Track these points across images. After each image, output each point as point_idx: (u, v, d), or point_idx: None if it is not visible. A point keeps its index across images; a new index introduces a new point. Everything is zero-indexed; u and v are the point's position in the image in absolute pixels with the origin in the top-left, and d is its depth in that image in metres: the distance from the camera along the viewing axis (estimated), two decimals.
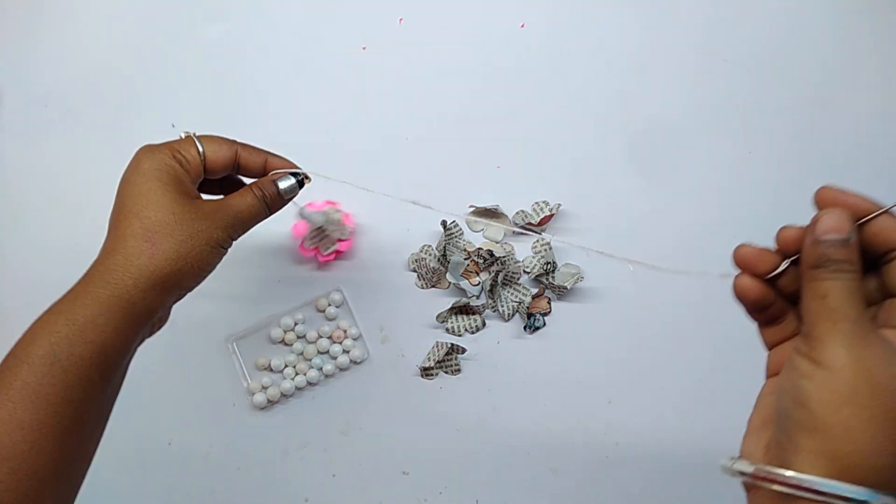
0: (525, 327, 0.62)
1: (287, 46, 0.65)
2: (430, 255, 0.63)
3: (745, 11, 0.66)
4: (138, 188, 0.41)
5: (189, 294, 0.62)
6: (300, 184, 0.46)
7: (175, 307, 0.62)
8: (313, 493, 0.61)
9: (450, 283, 0.62)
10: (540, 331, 0.62)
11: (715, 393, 0.62)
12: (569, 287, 0.61)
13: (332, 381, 0.62)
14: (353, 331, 0.62)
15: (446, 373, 0.62)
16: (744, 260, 0.34)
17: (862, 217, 0.32)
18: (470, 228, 0.64)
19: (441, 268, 0.63)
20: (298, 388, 0.61)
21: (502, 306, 0.62)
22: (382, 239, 0.64)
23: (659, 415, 0.62)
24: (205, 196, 0.44)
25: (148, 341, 0.61)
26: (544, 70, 0.65)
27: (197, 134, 0.44)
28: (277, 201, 0.45)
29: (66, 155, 0.64)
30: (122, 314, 0.38)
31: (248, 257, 0.62)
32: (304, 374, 0.61)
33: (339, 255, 0.62)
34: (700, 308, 0.63)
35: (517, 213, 0.63)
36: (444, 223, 0.61)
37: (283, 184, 0.45)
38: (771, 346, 0.36)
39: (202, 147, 0.43)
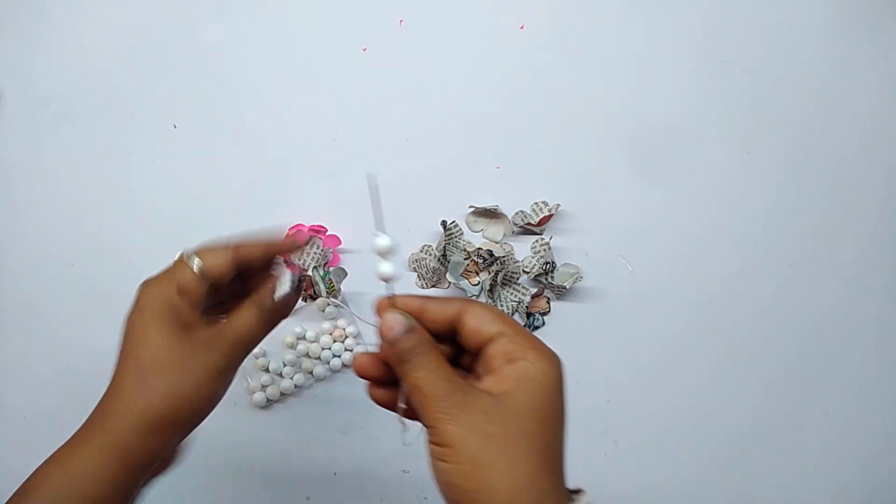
0: (524, 327, 0.63)
1: (287, 47, 0.65)
2: (430, 255, 0.63)
3: (745, 13, 0.66)
4: (134, 326, 0.38)
5: None
6: (297, 285, 0.41)
7: None
8: (314, 491, 0.61)
9: (450, 283, 0.62)
10: (539, 330, 0.63)
11: (713, 392, 0.62)
12: (568, 287, 0.62)
13: (332, 380, 0.62)
14: (351, 329, 0.62)
15: None
16: (362, 369, 0.38)
17: (413, 308, 0.36)
18: (470, 228, 0.64)
19: (441, 268, 0.63)
20: (298, 387, 0.61)
21: (502, 306, 0.62)
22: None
23: (657, 414, 0.62)
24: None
25: None
26: (543, 71, 0.65)
27: (189, 251, 0.40)
28: (278, 312, 0.41)
29: (67, 155, 0.64)
30: (119, 463, 0.36)
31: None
32: (305, 373, 0.61)
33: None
34: (698, 308, 0.63)
35: (517, 213, 0.63)
36: (444, 223, 0.62)
37: (279, 292, 0.40)
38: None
39: (197, 265, 0.40)
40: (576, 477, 0.64)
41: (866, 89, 0.65)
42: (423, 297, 0.37)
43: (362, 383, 0.62)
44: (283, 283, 0.40)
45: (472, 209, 0.64)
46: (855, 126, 0.65)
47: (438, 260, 0.63)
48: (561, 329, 0.63)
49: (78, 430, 0.37)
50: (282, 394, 0.61)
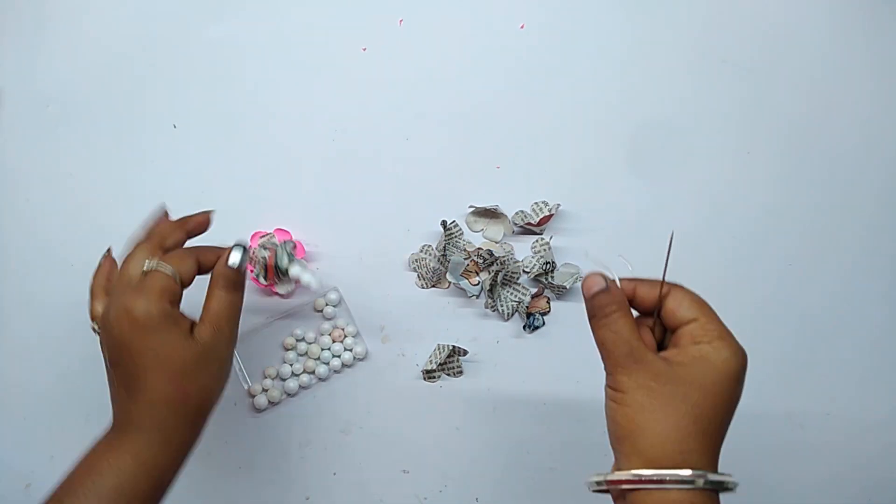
0: (524, 327, 0.62)
1: (287, 47, 0.65)
2: (430, 255, 0.63)
3: (744, 12, 0.66)
4: (146, 344, 0.43)
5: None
6: (245, 250, 0.48)
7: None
8: (314, 491, 0.61)
9: (450, 283, 0.62)
10: (539, 330, 0.63)
11: None
12: (568, 287, 0.62)
13: (332, 381, 0.62)
14: (350, 329, 0.62)
15: (448, 375, 0.62)
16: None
17: (626, 287, 0.42)
18: (470, 228, 0.64)
19: (441, 268, 0.63)
20: (302, 387, 0.61)
21: (502, 306, 0.62)
22: (382, 239, 0.64)
23: None
24: None
25: None
26: (543, 71, 0.65)
27: (152, 262, 0.45)
28: (238, 278, 0.47)
29: (67, 155, 0.64)
30: (179, 449, 0.45)
31: None
32: (305, 374, 0.61)
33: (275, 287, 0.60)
34: None
35: (517, 213, 0.63)
36: (444, 223, 0.62)
37: (233, 259, 0.47)
38: None
39: (173, 272, 0.45)
40: (575, 475, 0.64)
41: (864, 88, 0.65)
42: (636, 279, 0.42)
43: (363, 383, 0.62)
44: (233, 253, 0.47)
45: (472, 209, 0.64)
46: (853, 125, 0.65)
47: (438, 260, 0.63)
48: (561, 329, 0.63)
49: (115, 428, 0.44)
50: (283, 394, 0.61)
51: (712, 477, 0.36)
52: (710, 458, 0.38)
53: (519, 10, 0.65)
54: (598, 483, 0.40)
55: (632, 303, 0.42)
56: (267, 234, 0.61)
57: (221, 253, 0.48)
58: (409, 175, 0.64)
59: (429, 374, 0.62)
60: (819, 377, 0.63)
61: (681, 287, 0.42)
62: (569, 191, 0.64)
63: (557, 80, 0.65)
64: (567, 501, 0.61)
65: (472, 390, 0.62)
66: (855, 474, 0.62)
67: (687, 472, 0.36)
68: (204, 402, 0.45)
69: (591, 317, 0.41)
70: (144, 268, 0.45)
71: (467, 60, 0.65)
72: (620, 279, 0.42)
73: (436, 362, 0.61)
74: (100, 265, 0.50)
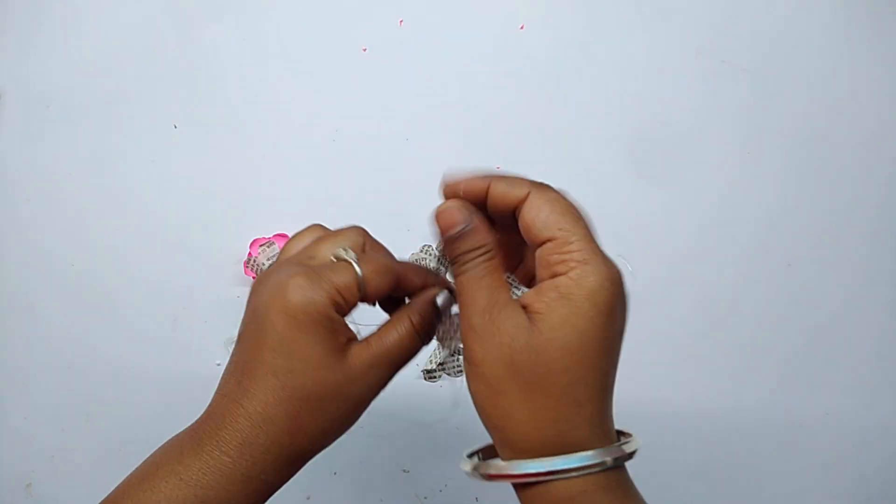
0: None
1: (287, 47, 0.65)
2: (430, 255, 0.63)
3: (745, 13, 0.66)
4: (283, 337, 0.32)
5: (190, 297, 0.63)
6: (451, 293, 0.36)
7: (180, 307, 0.62)
8: (315, 490, 0.61)
9: (450, 282, 0.62)
10: None
11: (713, 392, 0.62)
12: None
13: None
14: (351, 328, 0.62)
15: (449, 374, 0.62)
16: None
17: (479, 195, 0.33)
18: None
19: (441, 268, 0.63)
20: None
21: None
22: (382, 239, 0.64)
23: (657, 414, 0.62)
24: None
25: (151, 340, 0.62)
26: (543, 71, 0.65)
27: (350, 253, 0.35)
28: (432, 327, 0.37)
29: (67, 155, 0.64)
30: (255, 492, 0.33)
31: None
32: None
33: None
34: (699, 308, 0.63)
35: None
36: None
37: (441, 300, 0.36)
38: None
39: (363, 284, 0.34)
40: None
41: (866, 89, 0.65)
42: (490, 178, 0.32)
43: None
44: (441, 296, 0.36)
45: None
46: (855, 126, 0.65)
47: (438, 260, 0.63)
48: None
49: (194, 436, 0.34)
50: None
51: (600, 458, 0.29)
52: (596, 426, 0.30)
53: (519, 10, 0.65)
54: (482, 473, 0.32)
55: (483, 206, 0.33)
56: (267, 242, 0.61)
57: (429, 282, 0.38)
58: (409, 175, 0.64)
59: (429, 374, 0.62)
60: (820, 377, 0.63)
61: (542, 189, 0.31)
62: (569, 191, 0.64)
63: (557, 80, 0.65)
64: None
65: None
66: (854, 474, 0.62)
67: (566, 464, 0.29)
68: (311, 447, 0.34)
69: (452, 260, 0.33)
70: (336, 254, 0.35)
71: (467, 61, 0.65)
72: (469, 177, 0.33)
73: (436, 361, 0.61)
74: (309, 229, 0.38)
